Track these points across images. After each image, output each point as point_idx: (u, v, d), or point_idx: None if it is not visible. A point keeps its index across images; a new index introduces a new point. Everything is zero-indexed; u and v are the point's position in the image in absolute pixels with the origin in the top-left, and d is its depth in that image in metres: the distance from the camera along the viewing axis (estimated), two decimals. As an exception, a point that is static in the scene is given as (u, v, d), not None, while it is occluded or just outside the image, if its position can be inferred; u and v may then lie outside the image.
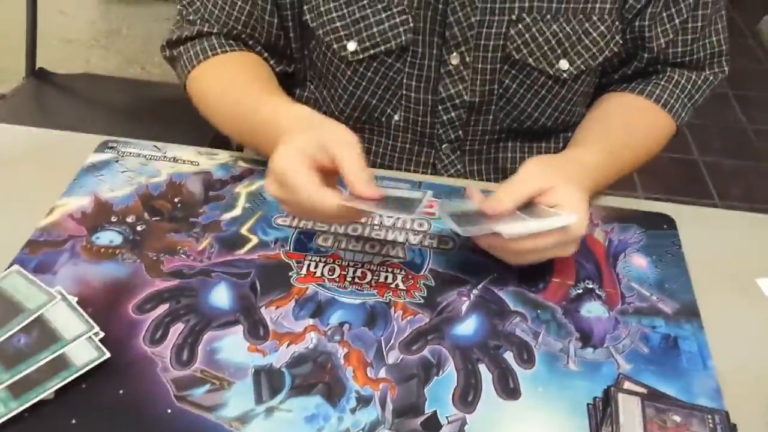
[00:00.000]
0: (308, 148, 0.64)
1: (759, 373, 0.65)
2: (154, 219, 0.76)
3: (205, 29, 0.87)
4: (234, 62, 0.86)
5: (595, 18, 0.81)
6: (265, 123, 0.73)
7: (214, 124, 0.85)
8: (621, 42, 0.84)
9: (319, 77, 0.90)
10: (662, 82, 0.89)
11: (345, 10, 0.81)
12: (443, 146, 0.91)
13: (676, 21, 0.84)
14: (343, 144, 0.65)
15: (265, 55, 0.89)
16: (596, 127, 0.85)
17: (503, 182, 0.69)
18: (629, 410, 0.59)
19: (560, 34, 0.81)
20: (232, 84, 0.83)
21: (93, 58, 2.51)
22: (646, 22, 0.84)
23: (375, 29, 0.81)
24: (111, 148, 0.85)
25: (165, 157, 0.84)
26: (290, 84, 0.94)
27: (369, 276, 0.71)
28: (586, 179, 0.74)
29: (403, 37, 0.81)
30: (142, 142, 0.86)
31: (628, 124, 0.85)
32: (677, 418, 0.58)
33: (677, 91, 0.88)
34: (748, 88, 2.62)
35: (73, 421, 0.57)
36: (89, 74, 1.62)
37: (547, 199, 0.67)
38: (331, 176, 0.65)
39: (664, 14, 0.83)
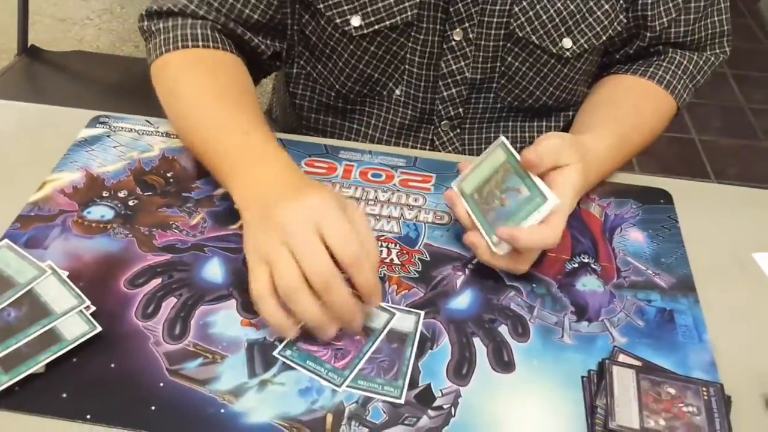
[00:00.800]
0: (340, 203, 0.60)
1: (754, 346, 0.65)
2: (146, 194, 0.75)
3: (193, 6, 0.80)
4: (217, 68, 0.79)
5: None
6: (257, 153, 0.68)
7: (172, 120, 0.79)
8: (624, 21, 0.83)
9: (312, 52, 0.89)
10: (664, 63, 0.88)
11: None
12: (442, 123, 0.90)
13: (679, 0, 0.83)
14: (354, 205, 0.62)
15: (255, 41, 0.84)
16: (605, 111, 0.84)
17: (531, 146, 0.67)
18: (624, 383, 0.58)
19: (564, 12, 0.80)
20: (211, 93, 0.75)
21: (86, 36, 2.49)
22: (649, 1, 0.83)
23: (380, 4, 0.79)
24: (102, 123, 0.84)
25: (157, 131, 0.83)
26: (275, 64, 0.91)
27: (363, 250, 0.70)
28: (594, 167, 0.74)
29: (409, 12, 0.80)
30: (134, 117, 0.85)
31: (636, 109, 0.84)
32: (672, 391, 0.58)
33: (679, 72, 0.88)
34: (746, 68, 2.61)
35: (64, 395, 0.56)
36: (81, 51, 1.60)
37: (553, 175, 0.67)
38: None
39: None
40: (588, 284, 0.69)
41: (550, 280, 0.69)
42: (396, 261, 0.70)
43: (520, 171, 0.66)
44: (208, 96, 0.75)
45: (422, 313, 0.64)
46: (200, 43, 0.79)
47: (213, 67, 0.79)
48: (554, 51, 0.82)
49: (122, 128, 0.83)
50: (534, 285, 0.68)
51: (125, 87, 1.40)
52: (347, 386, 0.58)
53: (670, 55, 0.88)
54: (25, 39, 1.49)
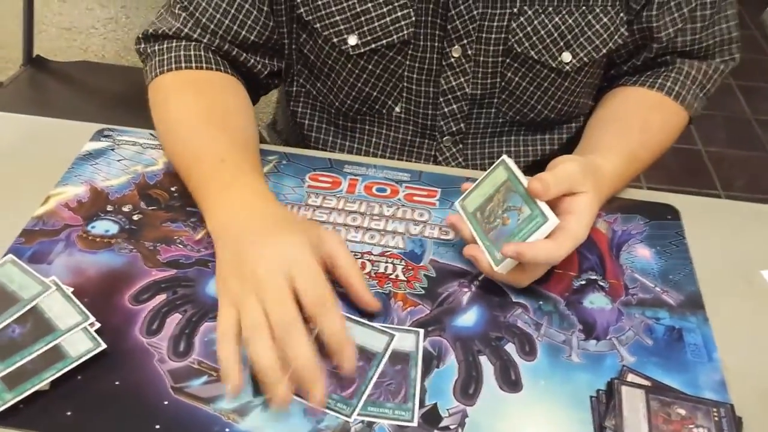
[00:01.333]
0: (312, 242, 0.60)
1: (764, 365, 0.64)
2: (150, 208, 0.75)
3: (186, 30, 0.81)
4: (205, 90, 0.79)
5: (597, 10, 0.79)
6: (230, 179, 0.68)
7: (161, 143, 0.80)
8: (626, 34, 0.83)
9: (311, 70, 0.88)
10: (672, 74, 0.87)
11: (345, 4, 0.79)
12: (444, 138, 0.90)
13: (685, 9, 0.83)
14: (341, 243, 0.63)
15: (252, 61, 0.84)
16: (614, 129, 0.83)
17: (543, 173, 0.66)
18: (633, 403, 0.58)
19: (562, 27, 0.79)
20: (195, 116, 0.76)
21: (91, 45, 2.50)
22: (654, 12, 0.82)
23: (376, 23, 0.79)
24: (107, 136, 0.84)
25: (161, 145, 0.83)
26: (273, 82, 0.91)
27: (368, 266, 0.70)
28: (606, 190, 0.74)
29: (405, 31, 0.80)
30: (138, 131, 0.84)
31: (645, 124, 0.84)
32: (682, 411, 0.57)
33: (688, 83, 0.87)
34: (752, 79, 2.60)
35: (69, 413, 0.56)
36: (87, 62, 1.60)
37: (568, 201, 0.66)
38: None
39: (672, 3, 0.82)
40: (596, 302, 0.68)
41: (557, 297, 0.68)
42: (401, 277, 0.69)
43: (521, 191, 0.66)
44: (192, 119, 0.75)
45: (421, 331, 0.64)
46: (193, 65, 0.80)
47: (202, 88, 0.79)
48: (554, 65, 0.82)
49: (126, 142, 0.83)
50: (541, 302, 0.68)
51: (130, 97, 1.40)
52: (358, 414, 0.57)
53: (678, 65, 0.88)
54: (30, 49, 1.50)
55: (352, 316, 0.64)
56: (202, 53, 0.81)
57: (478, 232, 0.68)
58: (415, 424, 0.57)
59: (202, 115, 0.76)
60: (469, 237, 0.68)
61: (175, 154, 0.76)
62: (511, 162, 0.68)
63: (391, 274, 0.69)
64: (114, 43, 2.53)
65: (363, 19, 0.79)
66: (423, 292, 0.68)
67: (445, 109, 0.87)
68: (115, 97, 1.41)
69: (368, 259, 0.71)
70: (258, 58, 0.85)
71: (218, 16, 0.81)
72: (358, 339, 0.62)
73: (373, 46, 0.81)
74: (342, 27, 0.80)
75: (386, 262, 0.71)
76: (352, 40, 0.81)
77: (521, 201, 0.65)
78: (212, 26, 0.81)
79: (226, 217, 0.66)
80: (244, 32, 0.82)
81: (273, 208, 0.67)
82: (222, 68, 0.81)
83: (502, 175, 0.68)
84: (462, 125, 0.88)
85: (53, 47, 2.39)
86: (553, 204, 0.66)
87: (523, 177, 0.67)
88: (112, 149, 0.82)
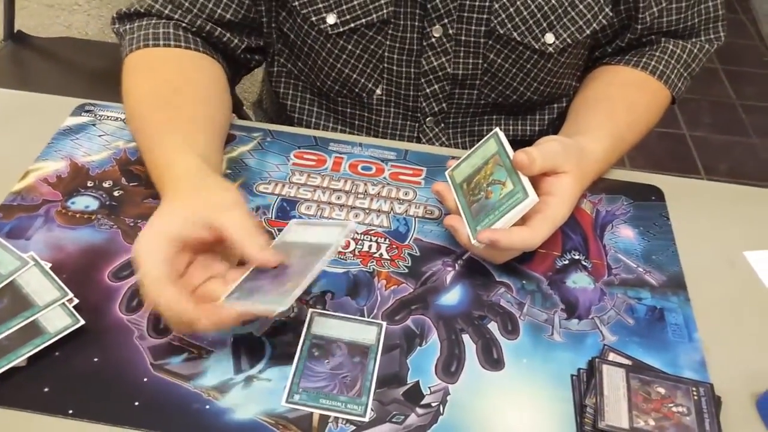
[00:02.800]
0: (175, 227, 0.57)
1: (744, 346, 0.65)
2: (131, 184, 0.74)
3: (158, 6, 0.80)
4: (162, 68, 0.78)
5: None
6: (164, 161, 0.67)
7: (127, 118, 0.78)
8: (611, 14, 0.82)
9: (291, 49, 0.87)
10: (657, 53, 0.87)
11: None
12: (427, 119, 0.89)
13: None
14: (225, 208, 0.58)
15: (227, 37, 0.82)
16: (600, 110, 0.82)
17: (530, 147, 0.66)
18: (614, 382, 0.58)
19: (545, 7, 0.79)
20: (146, 96, 0.75)
21: (74, 22, 2.46)
22: None
23: (355, 2, 0.78)
24: (88, 111, 0.82)
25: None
26: (254, 58, 0.89)
27: (352, 245, 0.70)
28: (590, 172, 0.74)
29: (385, 10, 0.79)
30: (120, 106, 0.83)
31: (632, 105, 0.84)
32: (662, 390, 0.58)
33: (672, 61, 0.87)
34: (738, 63, 2.60)
35: (46, 389, 0.55)
36: (69, 38, 1.59)
37: (549, 182, 0.66)
38: (219, 246, 0.59)
39: None
40: (578, 281, 0.68)
41: (540, 276, 0.68)
42: (385, 256, 0.69)
43: (508, 165, 0.65)
44: (141, 102, 0.74)
45: (384, 324, 0.63)
46: (161, 42, 0.78)
47: (154, 67, 0.78)
48: (537, 47, 0.81)
49: (108, 117, 0.82)
50: (524, 282, 0.68)
51: (113, 74, 1.37)
52: (300, 405, 0.57)
53: (663, 44, 0.88)
54: (11, 25, 1.47)
55: (338, 314, 0.63)
56: (171, 30, 0.79)
57: (461, 204, 0.67)
58: (366, 419, 0.56)
59: (148, 99, 0.74)
60: (453, 207, 0.68)
61: (133, 134, 0.76)
62: (502, 135, 0.67)
63: (375, 253, 0.69)
64: (97, 20, 2.49)
65: None
66: (407, 270, 0.68)
67: (427, 90, 0.86)
68: (98, 73, 1.39)
69: (352, 238, 0.70)
70: (235, 36, 0.83)
71: None
72: (348, 335, 0.61)
73: (352, 25, 0.80)
74: (321, 5, 0.79)
75: (370, 241, 0.70)
76: (331, 18, 0.80)
77: (506, 175, 0.65)
78: (186, 4, 0.79)
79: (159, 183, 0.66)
80: (219, 11, 0.80)
81: (194, 171, 0.64)
82: (192, 45, 0.80)
83: (492, 148, 0.68)
84: (444, 105, 0.87)
85: (36, 24, 2.35)
86: (535, 183, 0.65)
87: (512, 151, 0.66)
88: (93, 124, 0.80)
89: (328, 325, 0.62)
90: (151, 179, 0.69)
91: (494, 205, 0.64)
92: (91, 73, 1.40)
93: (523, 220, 0.64)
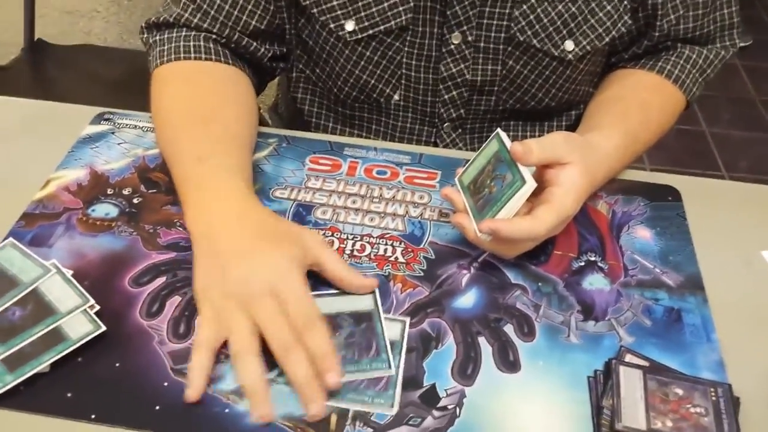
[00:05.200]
0: (294, 253, 0.62)
1: (763, 346, 0.64)
2: (150, 191, 0.75)
3: (187, 14, 0.80)
4: (197, 83, 0.78)
5: None
6: (207, 181, 0.68)
7: (157, 130, 0.77)
8: (630, 21, 0.82)
9: (310, 56, 0.88)
10: (673, 58, 0.87)
11: None
12: (444, 125, 0.89)
13: None
14: (323, 244, 0.65)
15: (254, 46, 0.82)
16: (613, 109, 0.82)
17: (528, 139, 0.67)
18: (631, 383, 0.58)
19: (566, 15, 0.79)
20: (182, 111, 0.75)
21: (94, 29, 2.49)
22: (659, 0, 0.81)
23: (374, 8, 0.78)
24: (107, 120, 0.84)
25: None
26: (279, 66, 0.90)
27: (368, 249, 0.70)
28: (602, 168, 0.73)
29: (404, 17, 0.79)
30: (139, 114, 0.84)
31: (644, 105, 0.83)
32: (679, 391, 0.58)
33: (688, 66, 0.87)
34: (757, 59, 2.58)
35: (69, 395, 0.56)
36: (88, 45, 1.61)
37: (554, 173, 0.66)
38: None
39: None
40: (595, 283, 0.68)
41: (556, 278, 0.68)
42: (401, 259, 0.69)
43: (508, 159, 0.66)
44: (176, 115, 0.75)
45: (407, 320, 0.63)
46: (192, 55, 0.79)
47: (193, 82, 0.79)
48: (556, 54, 0.81)
49: (126, 125, 0.83)
50: (540, 283, 0.68)
51: (133, 81, 1.40)
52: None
53: (679, 50, 0.87)
54: (31, 32, 1.49)
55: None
56: (202, 43, 0.80)
57: (469, 204, 0.68)
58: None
59: (187, 111, 0.75)
60: (462, 209, 0.69)
61: (161, 149, 0.76)
62: (503, 134, 0.68)
63: (390, 257, 0.69)
64: (116, 26, 2.52)
65: (360, 4, 0.78)
66: (422, 274, 0.68)
67: (445, 96, 0.86)
68: (118, 80, 1.41)
69: (368, 242, 0.71)
70: (262, 44, 0.84)
71: (219, 2, 0.79)
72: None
73: (370, 32, 0.80)
74: (339, 12, 0.80)
75: (386, 245, 0.71)
76: (350, 25, 0.80)
77: (506, 168, 0.65)
78: (213, 12, 0.80)
79: (201, 217, 0.65)
80: (245, 18, 0.81)
81: (252, 212, 0.66)
82: (222, 59, 0.80)
83: (494, 147, 0.68)
84: (462, 111, 0.88)
85: (55, 31, 2.39)
86: (539, 175, 0.66)
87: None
88: (113, 132, 0.82)
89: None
90: (178, 189, 0.70)
91: (497, 196, 0.65)
92: (110, 80, 1.42)
93: (528, 212, 0.65)
